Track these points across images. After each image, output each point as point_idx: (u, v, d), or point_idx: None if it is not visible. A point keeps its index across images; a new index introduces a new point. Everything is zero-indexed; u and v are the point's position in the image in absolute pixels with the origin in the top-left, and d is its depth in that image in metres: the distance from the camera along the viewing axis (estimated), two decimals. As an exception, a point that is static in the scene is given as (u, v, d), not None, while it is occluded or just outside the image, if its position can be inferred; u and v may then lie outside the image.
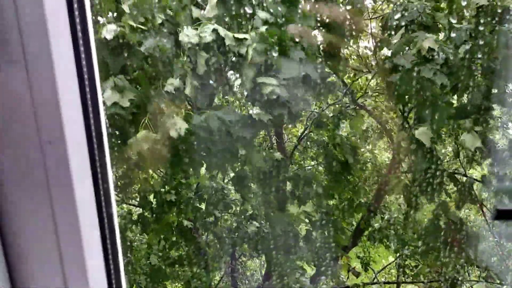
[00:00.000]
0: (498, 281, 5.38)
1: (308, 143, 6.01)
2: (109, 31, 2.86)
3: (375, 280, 6.78)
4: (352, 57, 5.73)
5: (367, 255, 6.62)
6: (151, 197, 5.11)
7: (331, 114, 4.80)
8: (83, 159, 0.87)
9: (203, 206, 5.17)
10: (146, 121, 3.08)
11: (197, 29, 3.05)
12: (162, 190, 5.08)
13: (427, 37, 3.78)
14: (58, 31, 0.78)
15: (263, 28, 3.16)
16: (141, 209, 5.28)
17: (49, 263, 0.86)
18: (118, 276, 1.03)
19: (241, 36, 3.09)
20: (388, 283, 7.07)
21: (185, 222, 5.17)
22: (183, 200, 5.03)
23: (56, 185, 0.82)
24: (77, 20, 0.82)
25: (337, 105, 5.63)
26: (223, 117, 3.25)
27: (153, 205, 5.03)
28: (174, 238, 5.26)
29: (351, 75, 5.73)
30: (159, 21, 3.05)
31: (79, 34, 0.82)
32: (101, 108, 0.92)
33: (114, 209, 1.00)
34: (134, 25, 2.92)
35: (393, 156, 5.39)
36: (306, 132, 5.84)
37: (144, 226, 5.03)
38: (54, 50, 0.77)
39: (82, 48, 0.85)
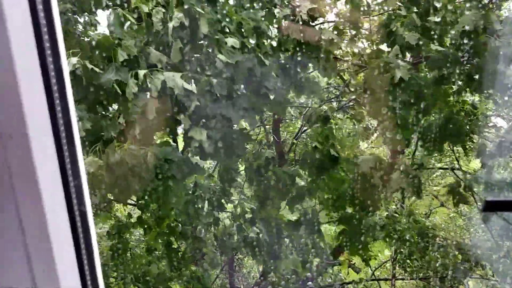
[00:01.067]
0: (493, 277, 5.38)
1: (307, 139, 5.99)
2: (70, 64, 2.95)
3: (373, 277, 6.77)
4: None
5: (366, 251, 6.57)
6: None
7: (325, 111, 4.78)
8: (49, 154, 0.83)
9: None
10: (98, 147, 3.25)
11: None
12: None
13: (401, 65, 3.86)
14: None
15: None
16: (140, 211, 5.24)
17: (16, 261, 0.83)
18: (94, 275, 1.00)
19: (189, 87, 3.25)
20: (386, 279, 7.07)
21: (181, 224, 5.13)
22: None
23: (19, 180, 0.78)
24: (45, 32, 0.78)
25: (333, 102, 5.63)
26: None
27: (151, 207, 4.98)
28: (172, 239, 5.21)
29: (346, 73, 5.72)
30: (121, 58, 3.11)
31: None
32: (70, 99, 0.88)
33: (88, 205, 0.97)
34: (90, 66, 2.98)
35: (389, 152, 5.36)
36: (301, 129, 5.82)
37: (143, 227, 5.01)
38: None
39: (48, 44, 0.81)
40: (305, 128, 5.74)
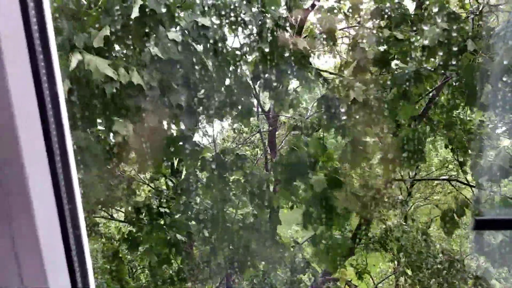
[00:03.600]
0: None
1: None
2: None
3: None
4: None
5: (362, 265, 6.51)
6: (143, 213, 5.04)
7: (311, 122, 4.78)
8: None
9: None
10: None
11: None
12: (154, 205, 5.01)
13: (357, 86, 3.85)
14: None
15: None
16: (131, 226, 5.20)
17: (4, 260, 0.82)
18: (84, 275, 0.99)
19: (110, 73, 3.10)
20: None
21: (178, 236, 5.07)
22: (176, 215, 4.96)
23: (9, 181, 0.79)
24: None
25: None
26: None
27: (144, 221, 4.94)
28: (165, 255, 5.15)
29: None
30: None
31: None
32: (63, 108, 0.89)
33: (79, 201, 0.96)
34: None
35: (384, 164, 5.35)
36: (283, 140, 5.82)
37: (134, 243, 4.94)
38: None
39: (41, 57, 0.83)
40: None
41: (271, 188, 4.76)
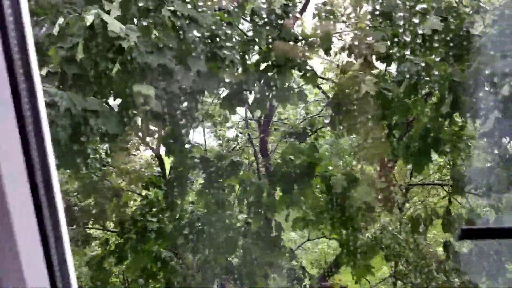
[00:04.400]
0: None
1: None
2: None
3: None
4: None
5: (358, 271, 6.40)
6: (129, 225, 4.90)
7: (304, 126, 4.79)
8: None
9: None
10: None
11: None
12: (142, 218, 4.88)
13: (368, 79, 3.83)
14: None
15: None
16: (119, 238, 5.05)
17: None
18: (64, 275, 0.91)
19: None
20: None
21: (164, 253, 4.93)
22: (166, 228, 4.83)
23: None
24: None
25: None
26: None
27: (131, 233, 4.80)
28: (154, 269, 5.00)
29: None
30: None
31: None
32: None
33: (58, 198, 0.89)
34: None
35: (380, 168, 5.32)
36: (277, 145, 5.79)
37: (121, 257, 4.80)
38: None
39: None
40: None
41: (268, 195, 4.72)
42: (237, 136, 6.98)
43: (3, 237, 0.77)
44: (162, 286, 5.18)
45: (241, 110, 6.46)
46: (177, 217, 4.91)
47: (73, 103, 2.95)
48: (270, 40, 3.95)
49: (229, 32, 3.54)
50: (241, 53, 3.78)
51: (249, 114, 6.70)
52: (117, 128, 3.26)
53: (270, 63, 4.07)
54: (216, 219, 4.74)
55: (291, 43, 4.01)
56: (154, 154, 5.90)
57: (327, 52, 4.13)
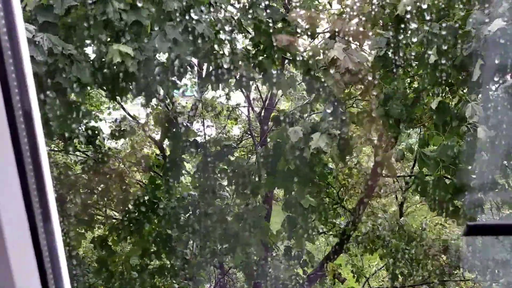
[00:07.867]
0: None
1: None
2: None
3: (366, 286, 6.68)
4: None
5: (356, 263, 6.49)
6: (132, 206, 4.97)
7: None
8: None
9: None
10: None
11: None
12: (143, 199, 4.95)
13: (337, 45, 3.77)
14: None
15: None
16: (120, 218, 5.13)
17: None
18: (57, 276, 0.92)
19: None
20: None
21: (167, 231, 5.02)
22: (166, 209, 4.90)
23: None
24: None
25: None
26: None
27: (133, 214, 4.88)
28: (155, 248, 5.09)
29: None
30: None
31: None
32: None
33: (50, 190, 0.89)
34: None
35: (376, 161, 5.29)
36: (266, 134, 5.78)
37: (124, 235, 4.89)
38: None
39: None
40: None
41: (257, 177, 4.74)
42: (236, 119, 7.02)
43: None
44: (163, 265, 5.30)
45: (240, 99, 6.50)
46: (174, 199, 4.98)
47: (53, 43, 2.97)
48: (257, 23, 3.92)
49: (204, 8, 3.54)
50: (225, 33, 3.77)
51: (250, 114, 6.75)
52: (89, 78, 3.27)
53: (260, 47, 4.06)
54: (208, 203, 4.81)
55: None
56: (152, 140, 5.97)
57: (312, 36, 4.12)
